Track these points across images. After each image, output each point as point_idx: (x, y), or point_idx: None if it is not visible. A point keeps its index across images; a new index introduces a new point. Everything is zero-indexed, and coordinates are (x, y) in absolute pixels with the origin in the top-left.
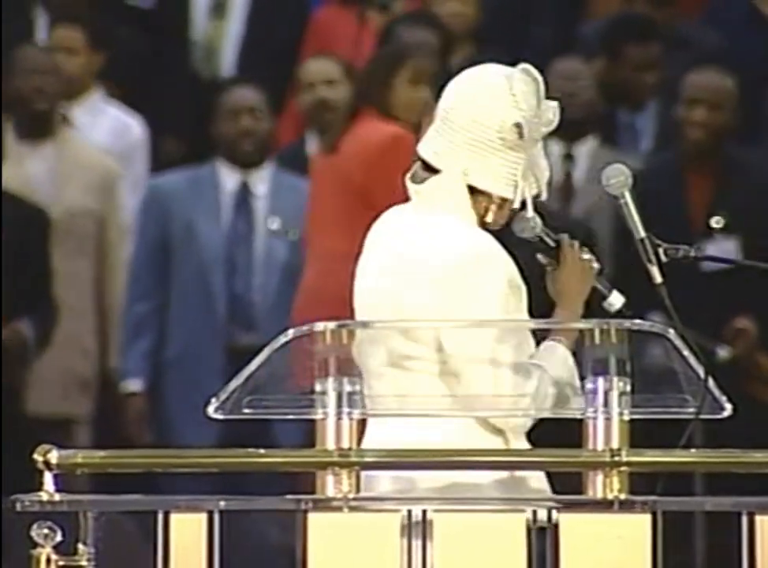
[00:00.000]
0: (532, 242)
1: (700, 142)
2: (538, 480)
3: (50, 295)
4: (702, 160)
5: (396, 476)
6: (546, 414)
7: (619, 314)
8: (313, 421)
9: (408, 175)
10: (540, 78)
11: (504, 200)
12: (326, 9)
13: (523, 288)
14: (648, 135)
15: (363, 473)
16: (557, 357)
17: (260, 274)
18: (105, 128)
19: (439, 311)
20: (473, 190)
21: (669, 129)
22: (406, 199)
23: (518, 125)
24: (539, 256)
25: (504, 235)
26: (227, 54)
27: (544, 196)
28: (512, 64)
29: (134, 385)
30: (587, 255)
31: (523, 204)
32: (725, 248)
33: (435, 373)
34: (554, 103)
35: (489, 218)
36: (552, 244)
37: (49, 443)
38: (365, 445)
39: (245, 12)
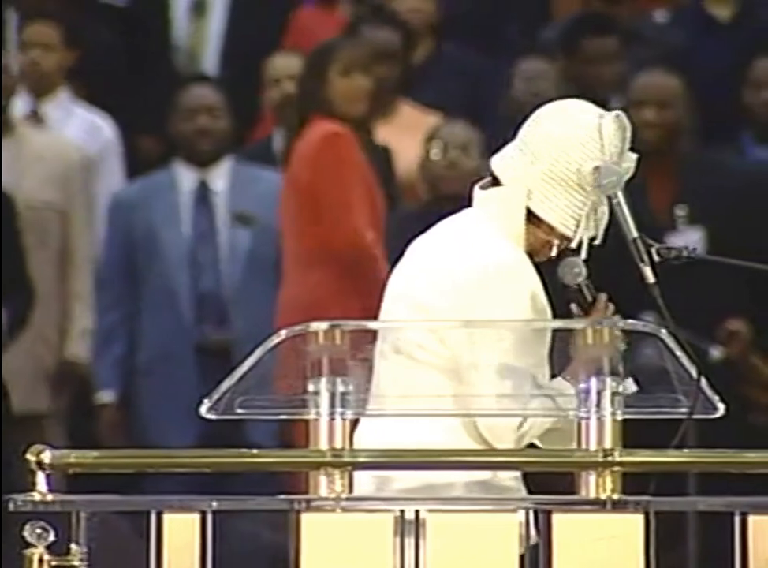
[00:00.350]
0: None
1: (652, 142)
2: (513, 480)
3: (25, 278)
4: (658, 159)
5: (374, 475)
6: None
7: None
8: (287, 421)
9: (478, 184)
10: (629, 126)
11: (563, 239)
12: (308, 9)
13: (548, 310)
14: None
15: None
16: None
17: (226, 269)
18: (76, 127)
19: (457, 317)
20: (532, 216)
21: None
22: (344, 194)
23: (597, 169)
24: (573, 306)
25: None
26: (209, 54)
27: (598, 241)
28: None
29: (107, 396)
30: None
31: (576, 249)
32: (690, 240)
33: (438, 367)
34: (635, 156)
35: (541, 253)
36: (589, 298)
37: (18, 438)
38: (357, 439)
39: (226, 10)
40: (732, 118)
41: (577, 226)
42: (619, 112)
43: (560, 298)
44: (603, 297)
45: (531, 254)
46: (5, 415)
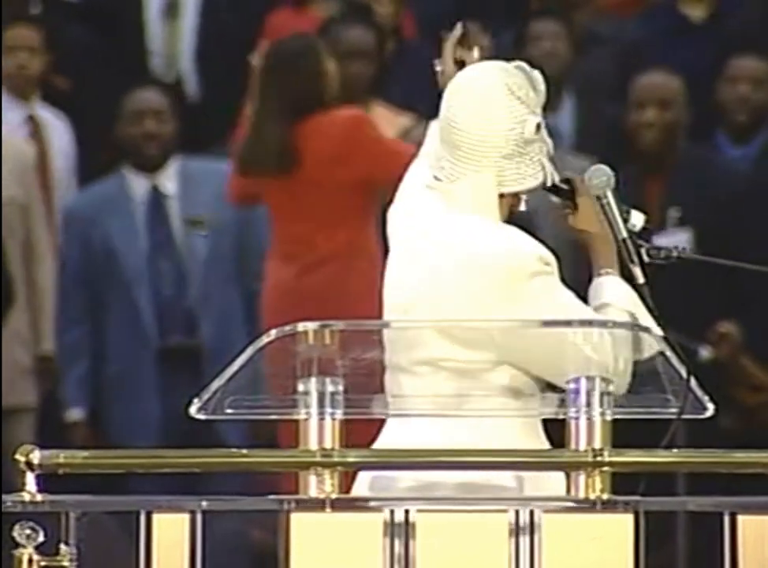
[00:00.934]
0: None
1: (654, 142)
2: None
3: (2, 272)
4: (655, 159)
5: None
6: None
7: (644, 231)
8: (257, 422)
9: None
10: (525, 66)
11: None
12: (282, 10)
13: (554, 262)
14: (566, 134)
15: (380, 474)
16: (616, 291)
17: (188, 274)
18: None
19: (485, 311)
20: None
21: (590, 127)
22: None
23: (538, 126)
24: (554, 199)
25: None
26: (184, 54)
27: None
28: None
29: (76, 414)
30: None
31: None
32: (678, 240)
33: (457, 371)
34: (537, 72)
35: (516, 209)
36: (565, 186)
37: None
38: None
39: (198, 11)
40: (706, 118)
41: (543, 173)
42: (507, 64)
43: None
44: (574, 175)
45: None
46: None
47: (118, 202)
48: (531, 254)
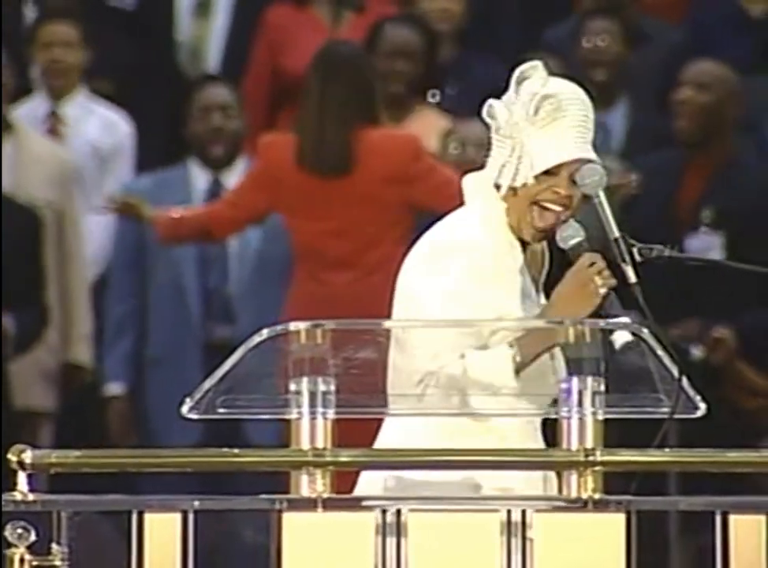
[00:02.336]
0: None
1: (691, 124)
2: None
3: (40, 296)
4: (696, 148)
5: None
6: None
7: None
8: (287, 421)
9: None
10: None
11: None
12: (280, 7)
13: (508, 276)
14: (618, 133)
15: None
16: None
17: (234, 267)
18: (94, 125)
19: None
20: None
21: (639, 128)
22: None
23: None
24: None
25: None
26: (212, 53)
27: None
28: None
29: (116, 388)
30: (602, 281)
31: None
32: (709, 243)
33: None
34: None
35: (529, 225)
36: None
37: (22, 441)
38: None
39: (230, 10)
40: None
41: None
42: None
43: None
44: (595, 255)
45: (524, 237)
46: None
47: (177, 186)
48: (449, 238)
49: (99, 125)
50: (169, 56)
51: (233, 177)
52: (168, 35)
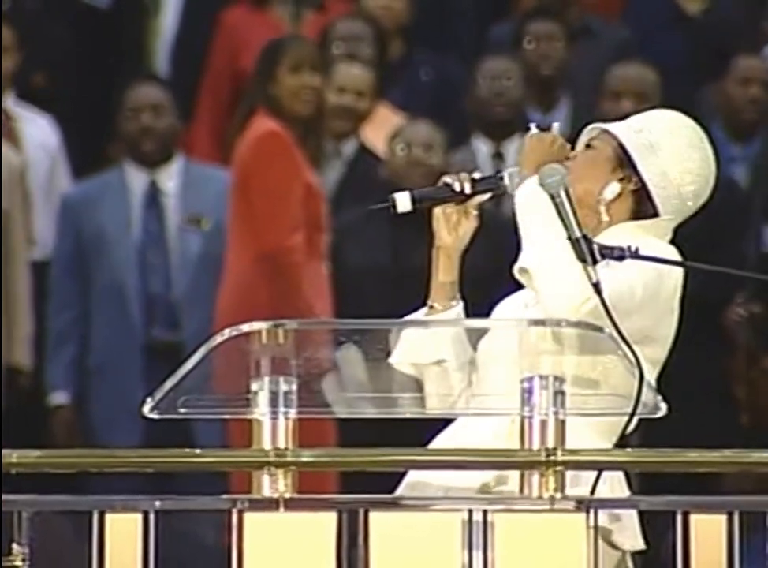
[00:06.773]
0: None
1: None
2: None
3: None
4: None
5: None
6: None
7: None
8: (233, 423)
9: None
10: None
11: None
12: (236, 9)
13: None
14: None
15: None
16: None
17: (176, 271)
18: (39, 126)
19: None
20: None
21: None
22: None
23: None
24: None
25: None
26: (161, 53)
27: None
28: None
29: (60, 397)
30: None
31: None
32: None
33: None
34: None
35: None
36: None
37: None
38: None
39: (178, 10)
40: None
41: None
42: None
43: None
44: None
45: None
46: None
47: (115, 192)
48: None
49: (38, 127)
50: (110, 54)
51: (170, 179)
52: (116, 32)
